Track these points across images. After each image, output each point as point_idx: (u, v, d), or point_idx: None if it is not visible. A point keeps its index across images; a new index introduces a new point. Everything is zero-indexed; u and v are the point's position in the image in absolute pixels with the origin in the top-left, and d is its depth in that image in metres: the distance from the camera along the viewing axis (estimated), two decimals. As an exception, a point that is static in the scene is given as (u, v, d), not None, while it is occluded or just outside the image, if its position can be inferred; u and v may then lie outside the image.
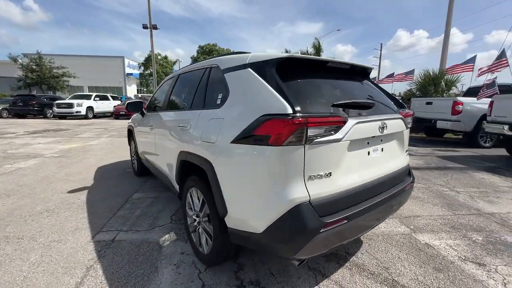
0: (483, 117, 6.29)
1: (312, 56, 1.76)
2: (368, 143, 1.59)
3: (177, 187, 2.25)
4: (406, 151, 2.04)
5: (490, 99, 5.89)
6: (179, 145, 2.11)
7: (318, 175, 1.31)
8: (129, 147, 4.49)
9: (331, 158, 1.36)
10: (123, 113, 15.59)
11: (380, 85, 2.20)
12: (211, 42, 45.82)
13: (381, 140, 1.70)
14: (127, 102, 3.61)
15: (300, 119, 1.22)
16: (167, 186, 2.65)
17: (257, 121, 1.32)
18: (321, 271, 1.82)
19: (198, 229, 1.92)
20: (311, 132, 1.25)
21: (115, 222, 2.55)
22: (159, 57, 37.32)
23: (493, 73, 8.41)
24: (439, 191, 3.52)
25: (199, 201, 1.88)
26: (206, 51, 41.39)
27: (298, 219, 1.25)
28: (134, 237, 2.27)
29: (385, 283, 1.71)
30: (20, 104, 15.60)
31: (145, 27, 20.18)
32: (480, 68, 9.04)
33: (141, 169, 3.88)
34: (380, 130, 1.59)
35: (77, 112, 15.14)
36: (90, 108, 15.92)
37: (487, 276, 1.79)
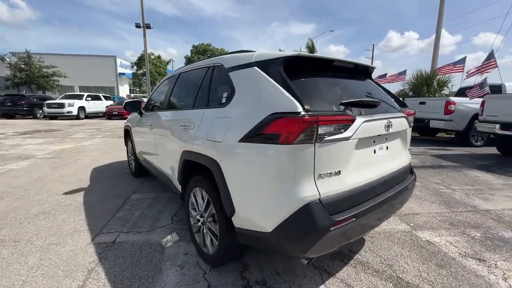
0: (475, 116, 6.44)
1: (318, 55, 1.76)
2: (374, 141, 1.60)
3: (179, 187, 2.22)
4: (409, 149, 2.07)
5: (481, 99, 6.05)
6: (182, 144, 2.08)
7: (328, 173, 1.32)
8: (125, 147, 4.42)
9: (340, 156, 1.36)
10: (116, 113, 15.39)
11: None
12: (204, 41, 45.52)
13: (386, 139, 1.72)
14: (125, 102, 3.54)
15: (311, 117, 1.22)
16: (167, 186, 2.61)
17: (267, 120, 1.31)
18: (327, 270, 1.82)
19: (203, 229, 1.90)
20: (321, 130, 1.25)
21: (114, 223, 2.50)
22: (152, 56, 36.82)
23: (482, 74, 8.63)
24: (436, 189, 3.58)
25: (203, 201, 1.85)
26: (200, 51, 41.14)
27: (308, 218, 1.24)
28: (135, 238, 2.23)
29: (390, 280, 1.73)
30: (9, 104, 15.19)
31: (138, 26, 19.91)
32: (469, 70, 9.28)
33: (139, 169, 3.82)
34: (386, 128, 1.61)
35: (68, 112, 14.83)
36: (81, 108, 15.63)
37: (488, 272, 1.83)
